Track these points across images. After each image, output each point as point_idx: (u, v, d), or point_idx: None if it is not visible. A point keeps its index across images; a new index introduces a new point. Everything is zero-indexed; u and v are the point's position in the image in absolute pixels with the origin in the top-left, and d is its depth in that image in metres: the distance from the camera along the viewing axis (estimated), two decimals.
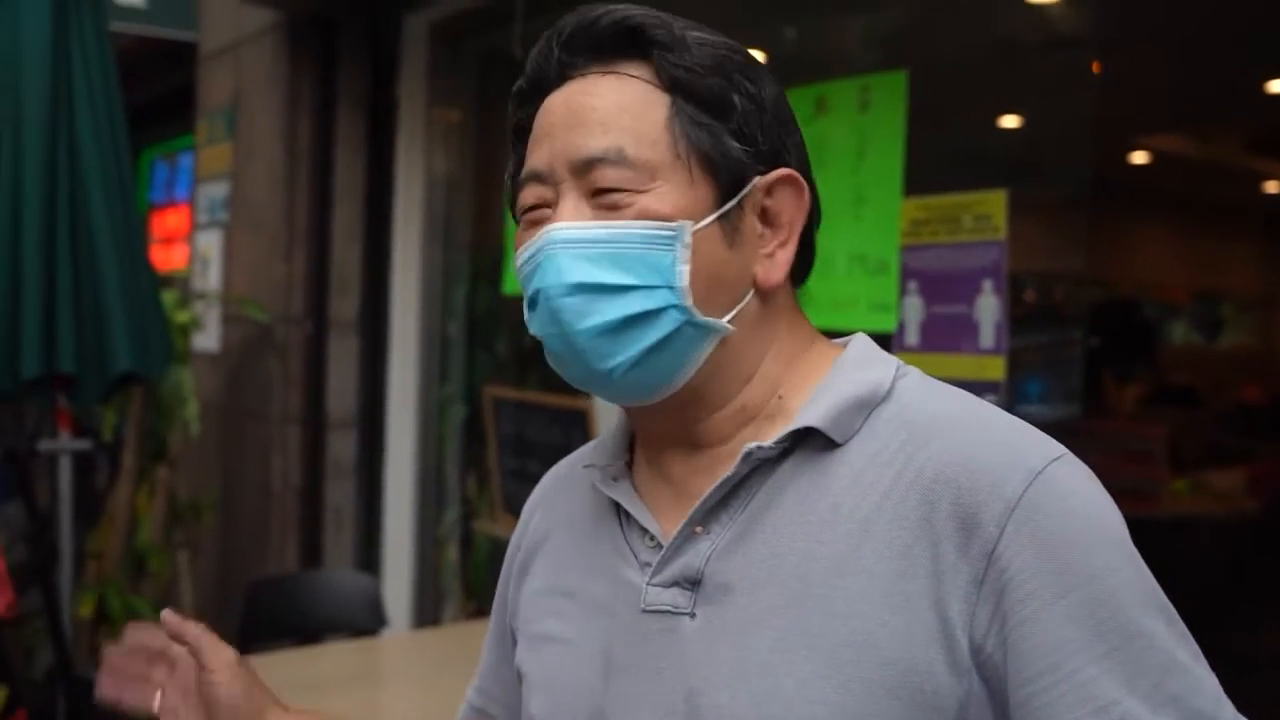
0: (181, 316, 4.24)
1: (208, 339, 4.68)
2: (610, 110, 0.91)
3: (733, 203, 0.92)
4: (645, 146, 0.90)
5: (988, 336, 2.49)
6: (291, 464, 4.38)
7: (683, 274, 0.90)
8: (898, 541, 0.85)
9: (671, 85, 0.92)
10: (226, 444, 4.69)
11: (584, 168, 0.91)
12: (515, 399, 3.97)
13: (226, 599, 4.33)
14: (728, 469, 0.92)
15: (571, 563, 1.04)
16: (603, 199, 0.91)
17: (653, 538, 0.96)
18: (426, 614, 4.35)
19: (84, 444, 3.63)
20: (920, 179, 2.59)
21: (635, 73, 0.93)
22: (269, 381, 4.45)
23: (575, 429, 3.61)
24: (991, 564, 0.82)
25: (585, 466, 1.05)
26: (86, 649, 3.96)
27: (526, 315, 0.95)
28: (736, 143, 0.92)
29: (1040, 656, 0.80)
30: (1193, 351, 8.74)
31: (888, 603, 0.84)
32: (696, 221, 0.90)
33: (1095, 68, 2.56)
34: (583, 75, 0.94)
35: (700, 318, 0.90)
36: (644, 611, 0.94)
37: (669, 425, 0.97)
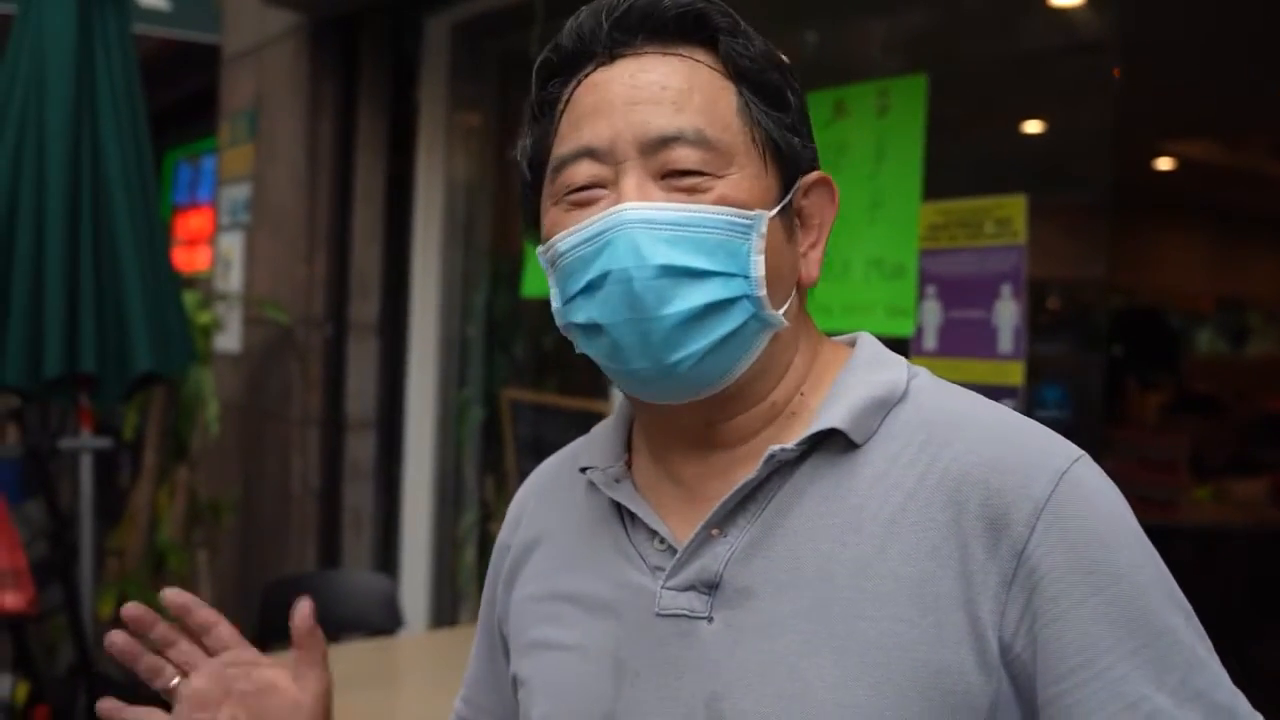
0: (203, 317, 4.26)
1: (229, 340, 4.71)
2: (683, 90, 0.88)
3: (790, 196, 0.91)
4: (721, 129, 0.88)
5: (1006, 341, 2.48)
6: (311, 465, 4.39)
7: (758, 264, 0.87)
8: (925, 542, 0.84)
9: (737, 74, 0.90)
10: (246, 444, 4.71)
11: (657, 146, 0.87)
12: (533, 401, 3.98)
13: (245, 598, 4.34)
14: (745, 471, 0.91)
15: (570, 566, 1.01)
16: (678, 181, 0.87)
17: (663, 540, 0.94)
18: (444, 615, 4.36)
19: (105, 442, 3.64)
20: (939, 183, 2.59)
21: (699, 58, 0.90)
22: (289, 383, 4.47)
23: None
24: (1021, 564, 0.81)
25: (583, 469, 1.01)
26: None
27: (564, 305, 0.91)
28: (794, 136, 0.91)
29: (1071, 654, 0.80)
30: (1217, 360, 8.68)
31: (917, 604, 0.83)
32: (768, 211, 0.88)
33: (1116, 73, 2.54)
34: (639, 54, 0.90)
35: (767, 311, 0.88)
36: (658, 615, 0.92)
37: (694, 425, 0.94)
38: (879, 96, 2.71)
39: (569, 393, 3.96)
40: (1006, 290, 2.48)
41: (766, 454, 0.89)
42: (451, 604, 4.39)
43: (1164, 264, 7.74)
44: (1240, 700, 0.82)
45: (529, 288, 3.68)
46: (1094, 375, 2.76)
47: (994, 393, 2.57)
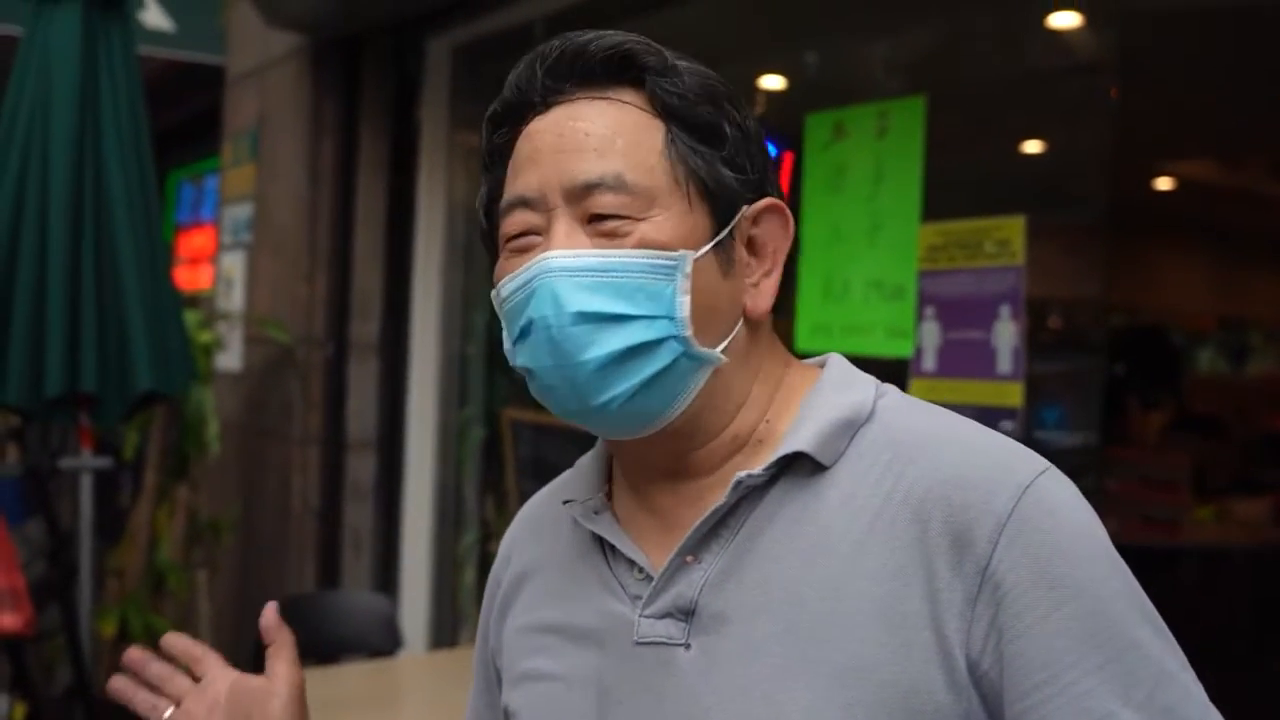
0: (204, 336, 4.27)
1: (230, 359, 4.72)
2: (605, 135, 0.90)
3: (726, 232, 0.91)
4: (643, 173, 0.89)
5: (1005, 362, 2.48)
6: (311, 485, 4.39)
7: (683, 304, 0.88)
8: (891, 562, 0.84)
9: (665, 112, 0.91)
10: (247, 464, 4.71)
11: (580, 193, 0.89)
12: (533, 421, 3.97)
13: (244, 618, 4.34)
14: (716, 498, 0.91)
15: (556, 599, 1.02)
16: (600, 226, 0.89)
17: (641, 570, 0.95)
18: (443, 636, 4.35)
19: (105, 462, 3.64)
20: (939, 204, 2.59)
21: (627, 99, 0.91)
22: (290, 402, 4.47)
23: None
24: (985, 580, 0.82)
25: (564, 503, 1.03)
26: (107, 667, 3.98)
27: (511, 347, 0.93)
28: (728, 171, 0.91)
29: (1036, 670, 0.80)
30: (1218, 379, 8.67)
31: (885, 624, 0.83)
32: (695, 250, 0.89)
33: (1114, 93, 2.56)
34: (570, 100, 0.92)
35: (697, 349, 0.89)
36: (637, 644, 0.93)
37: (658, 457, 0.95)
38: (878, 118, 2.73)
39: None
40: (1005, 311, 2.49)
41: (735, 479, 0.89)
42: (451, 625, 4.38)
43: (1163, 283, 7.74)
44: (1213, 714, 0.82)
45: None
46: (1094, 395, 2.76)
47: (993, 414, 2.57)
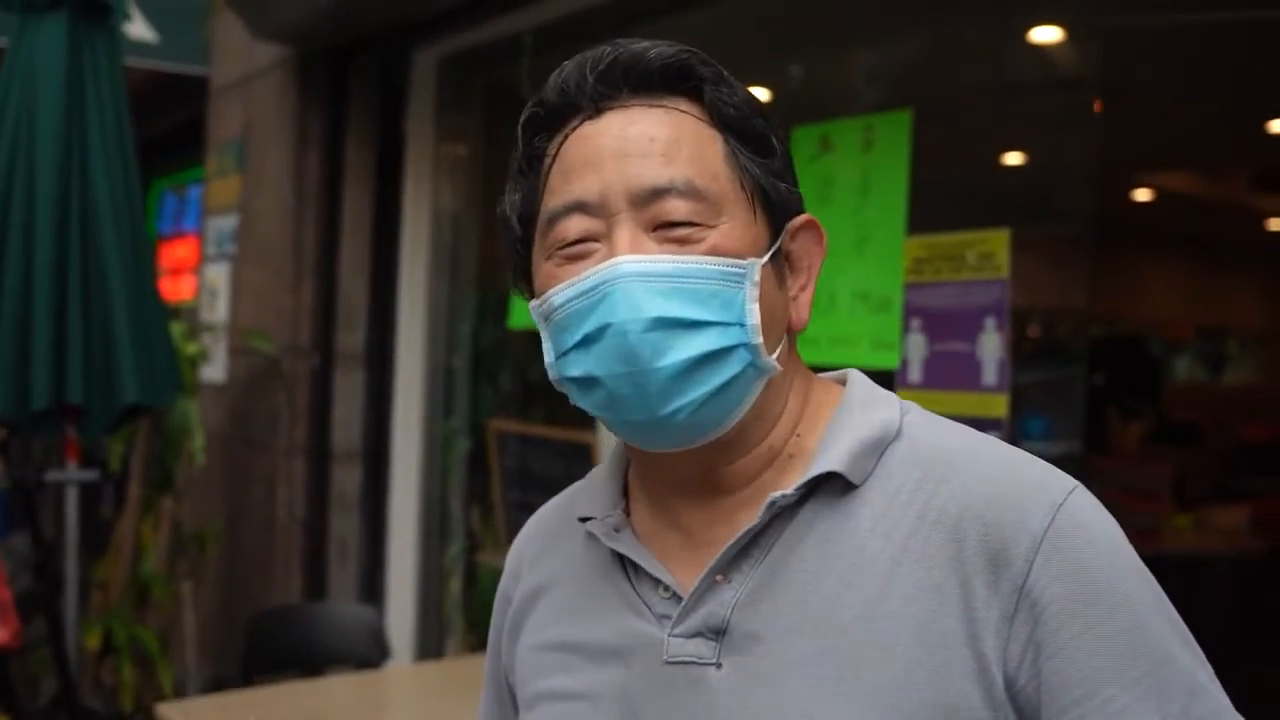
0: (189, 348, 4.26)
1: (214, 370, 4.70)
2: (671, 141, 0.88)
3: (779, 242, 0.92)
4: (710, 180, 0.88)
5: (990, 374, 2.50)
6: (296, 495, 4.38)
7: (753, 312, 0.87)
8: (927, 581, 0.85)
9: (722, 123, 0.90)
10: (232, 475, 4.70)
11: (648, 198, 0.87)
12: (519, 432, 3.99)
13: (230, 630, 4.32)
14: (747, 516, 0.91)
15: (573, 616, 1.01)
16: (670, 232, 0.87)
17: (667, 588, 0.93)
18: (430, 647, 4.34)
19: (91, 474, 3.64)
20: (924, 217, 2.62)
21: (684, 108, 0.90)
22: (275, 413, 4.46)
23: (579, 462, 3.62)
24: (1023, 598, 0.82)
25: (581, 519, 1.01)
26: (92, 679, 3.96)
27: (559, 359, 0.91)
28: (781, 182, 0.92)
29: (1074, 685, 0.80)
30: (1196, 388, 8.75)
31: (922, 643, 0.83)
32: (759, 258, 0.89)
33: (1098, 107, 2.59)
34: (625, 107, 0.90)
35: (762, 358, 0.88)
36: (667, 663, 0.92)
37: (694, 471, 0.94)
38: (864, 132, 2.75)
39: (555, 424, 3.97)
40: (990, 323, 2.51)
41: (768, 500, 0.89)
42: (438, 635, 4.37)
43: (1143, 293, 7.82)
44: None
45: (516, 319, 3.69)
46: (1077, 405, 2.79)
47: (979, 425, 2.59)
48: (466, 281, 4.38)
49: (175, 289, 6.18)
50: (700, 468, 0.93)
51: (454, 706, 2.86)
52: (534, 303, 0.93)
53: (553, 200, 0.91)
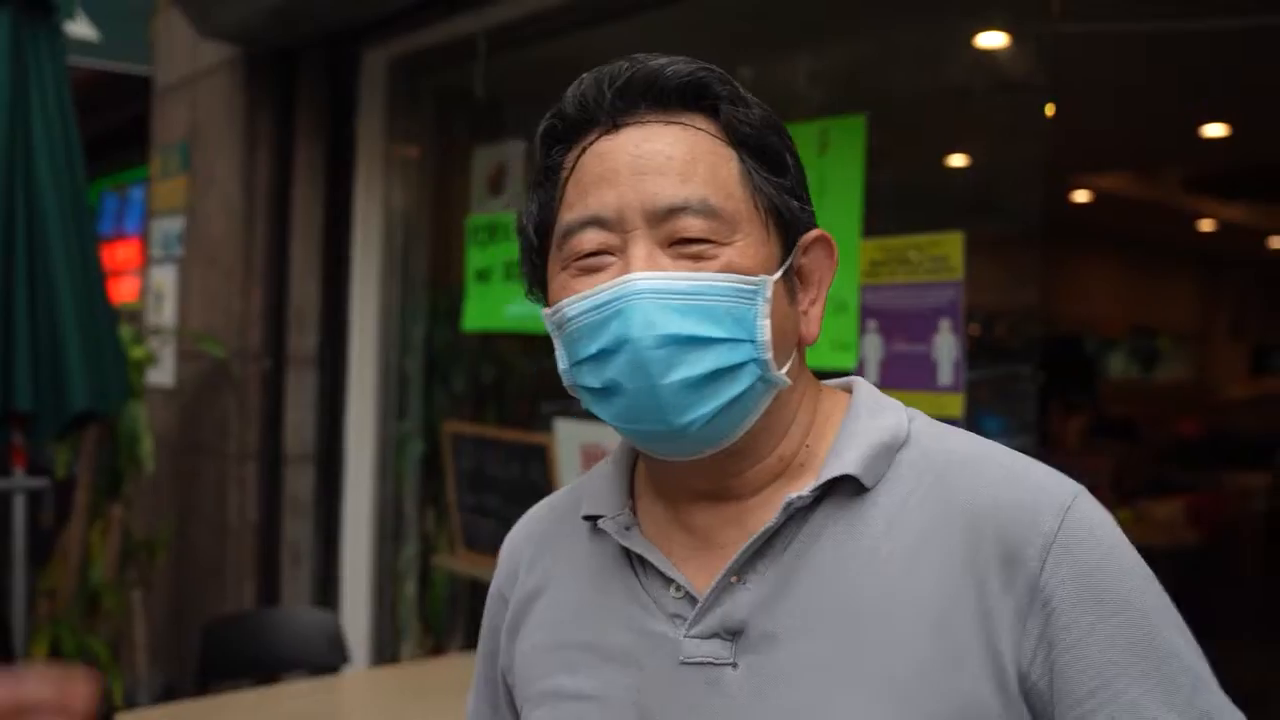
0: (136, 352, 4.22)
1: (162, 374, 4.66)
2: (686, 159, 0.90)
3: (791, 259, 0.93)
4: (725, 198, 0.90)
5: (946, 374, 2.56)
6: (248, 500, 4.37)
7: (764, 328, 0.89)
8: (943, 581, 0.88)
9: (738, 141, 0.92)
10: (181, 480, 4.67)
11: (663, 216, 0.89)
12: (474, 434, 4.00)
13: (183, 637, 4.29)
14: (759, 519, 0.93)
15: (580, 615, 1.02)
16: (684, 249, 0.89)
17: (679, 588, 0.95)
18: (385, 650, 4.35)
19: (41, 482, 3.59)
20: (879, 220, 2.67)
21: (700, 125, 0.92)
22: (225, 417, 4.44)
23: (534, 463, 3.65)
24: (1035, 596, 0.86)
25: (587, 517, 1.02)
26: None
27: (572, 366, 0.93)
28: (793, 200, 0.93)
29: (1087, 679, 0.84)
30: (1131, 385, 8.97)
31: (938, 638, 0.86)
32: (771, 276, 0.91)
33: (1048, 111, 2.65)
34: (641, 123, 0.92)
35: (772, 373, 0.90)
36: (682, 664, 0.93)
37: (705, 477, 0.96)
38: (819, 135, 2.79)
39: (508, 425, 4.00)
40: (945, 325, 2.57)
41: (784, 502, 0.91)
42: (393, 639, 4.39)
43: (1088, 293, 8.00)
44: (1239, 716, 0.87)
45: (469, 322, 3.73)
46: (1029, 403, 2.85)
47: None
48: (419, 283, 4.40)
49: (117, 291, 6.09)
50: (713, 475, 0.95)
51: (414, 710, 2.87)
52: (547, 311, 0.95)
53: (569, 213, 0.92)
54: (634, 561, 0.99)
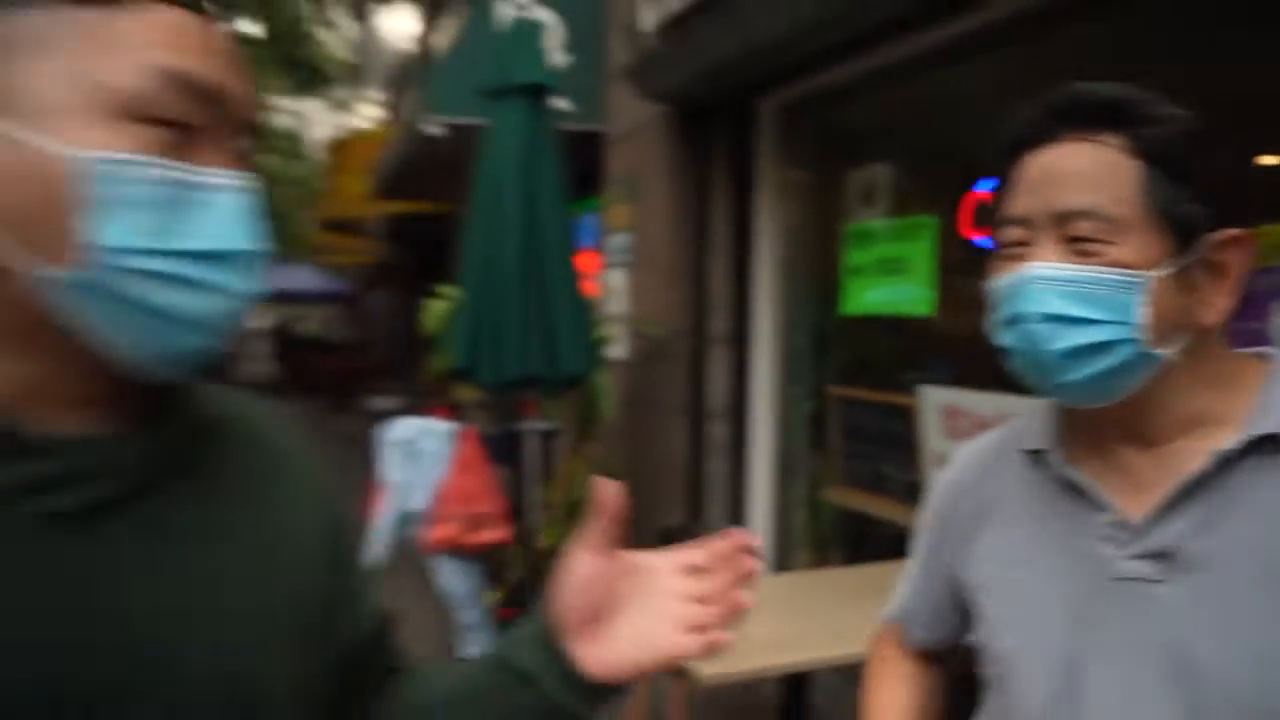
0: (600, 334, 4.59)
1: (618, 350, 5.12)
2: (1087, 172, 0.95)
3: (1186, 258, 0.95)
4: (1116, 204, 0.94)
5: None
6: (680, 444, 4.76)
7: (1142, 314, 0.92)
8: None
9: (1143, 154, 0.95)
10: (632, 429, 5.10)
11: (1062, 219, 0.95)
12: (852, 397, 4.24)
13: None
14: (1185, 464, 0.96)
15: (1025, 533, 1.07)
16: (1077, 245, 0.94)
17: (1114, 515, 0.99)
18: (783, 561, 4.66)
19: (549, 425, 4.35)
20: None
21: (1112, 141, 0.96)
22: (663, 382, 4.84)
23: (901, 420, 3.84)
24: None
25: (1032, 450, 1.08)
26: (541, 569, 4.46)
27: (996, 328, 0.99)
28: (1195, 206, 0.95)
29: None
30: None
31: None
32: (1156, 271, 0.93)
33: None
34: (1063, 141, 0.98)
35: (1148, 349, 0.93)
36: (1114, 579, 0.97)
37: (1117, 425, 1.01)
38: None
39: (880, 389, 4.11)
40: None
41: (1213, 451, 0.94)
42: (787, 553, 4.67)
43: None
44: None
45: (848, 306, 3.97)
46: None
47: None
48: (806, 280, 4.60)
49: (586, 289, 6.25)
50: (1120, 420, 1.00)
51: (804, 604, 3.08)
52: (988, 283, 1.03)
53: (1003, 212, 1.01)
54: (1071, 491, 1.04)
